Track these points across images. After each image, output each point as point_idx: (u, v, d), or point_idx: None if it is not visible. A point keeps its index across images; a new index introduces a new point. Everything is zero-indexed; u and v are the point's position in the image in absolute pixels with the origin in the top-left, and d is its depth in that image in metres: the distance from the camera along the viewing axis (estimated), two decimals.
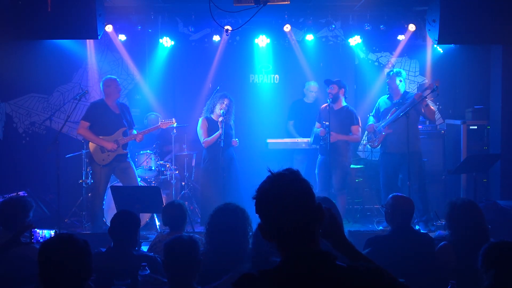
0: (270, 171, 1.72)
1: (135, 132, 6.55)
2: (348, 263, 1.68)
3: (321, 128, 6.63)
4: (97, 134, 6.31)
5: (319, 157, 6.78)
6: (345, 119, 6.57)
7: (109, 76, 6.61)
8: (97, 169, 6.35)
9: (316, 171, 6.77)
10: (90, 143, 6.36)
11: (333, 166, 6.51)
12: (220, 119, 6.43)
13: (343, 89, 6.58)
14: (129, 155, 6.57)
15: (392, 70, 6.81)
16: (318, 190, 6.66)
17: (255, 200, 1.71)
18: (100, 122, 6.31)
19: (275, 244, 1.69)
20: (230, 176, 6.53)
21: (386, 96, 6.82)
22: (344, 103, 6.66)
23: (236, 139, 6.70)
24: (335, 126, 6.49)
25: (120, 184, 6.43)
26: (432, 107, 6.62)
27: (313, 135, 6.95)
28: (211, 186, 6.58)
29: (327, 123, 6.44)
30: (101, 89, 6.45)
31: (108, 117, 6.34)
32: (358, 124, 6.64)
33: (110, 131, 6.34)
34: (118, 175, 6.48)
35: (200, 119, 6.70)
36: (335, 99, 6.56)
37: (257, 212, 1.71)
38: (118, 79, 6.53)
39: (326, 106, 6.65)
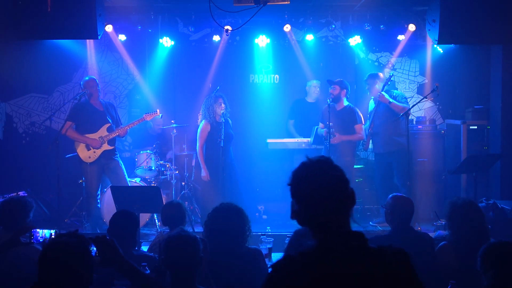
0: (307, 157, 1.80)
1: None
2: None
3: (324, 129, 6.66)
4: (82, 133, 6.38)
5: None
6: (348, 119, 6.64)
7: (88, 76, 6.72)
8: (87, 168, 6.41)
9: None
10: (76, 143, 6.41)
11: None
12: (220, 116, 6.48)
13: (345, 90, 6.67)
14: (117, 153, 6.62)
15: (372, 73, 6.96)
16: None
17: (290, 186, 1.78)
18: (84, 120, 6.39)
19: (310, 228, 1.76)
20: (230, 176, 6.53)
21: (372, 97, 6.90)
22: (346, 103, 6.72)
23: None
24: (338, 127, 6.56)
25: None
26: (397, 104, 6.50)
27: (313, 135, 6.96)
28: (212, 186, 6.59)
29: (331, 123, 6.50)
30: (82, 88, 6.48)
31: (91, 114, 6.41)
32: (361, 122, 6.73)
33: (94, 128, 6.41)
34: (108, 175, 6.52)
35: (202, 122, 6.64)
36: (337, 99, 6.67)
37: (292, 196, 1.78)
38: (97, 79, 6.60)
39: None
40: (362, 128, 6.73)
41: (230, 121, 6.74)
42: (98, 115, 6.45)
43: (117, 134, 6.50)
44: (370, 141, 6.84)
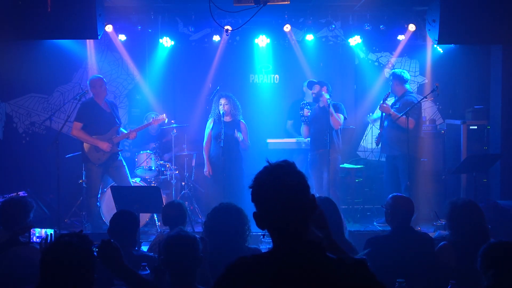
0: (268, 161, 1.76)
1: (123, 130, 6.58)
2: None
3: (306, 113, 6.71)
4: (91, 134, 6.33)
5: (309, 155, 6.82)
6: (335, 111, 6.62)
7: (95, 75, 6.69)
8: (93, 169, 6.37)
9: (309, 171, 6.79)
10: (85, 143, 6.37)
11: (324, 163, 6.51)
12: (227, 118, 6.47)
13: (325, 87, 6.71)
14: (120, 153, 6.61)
15: (400, 74, 6.81)
16: (315, 190, 6.68)
17: (251, 189, 1.75)
18: (93, 121, 6.34)
19: (268, 232, 1.74)
20: (230, 176, 6.53)
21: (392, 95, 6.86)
22: (328, 101, 6.67)
23: (239, 134, 6.58)
24: (323, 124, 6.52)
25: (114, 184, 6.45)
26: (399, 117, 6.37)
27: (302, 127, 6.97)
28: (212, 186, 6.60)
29: (306, 104, 6.70)
30: (88, 89, 6.46)
31: (100, 116, 6.38)
32: (342, 113, 6.69)
33: (103, 130, 6.37)
34: (111, 174, 6.50)
35: (209, 119, 6.78)
36: (318, 96, 6.66)
37: (252, 200, 1.75)
38: (104, 78, 6.56)
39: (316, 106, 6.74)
40: (341, 117, 6.65)
41: (241, 122, 6.74)
42: (107, 117, 6.42)
43: (126, 137, 6.48)
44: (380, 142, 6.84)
